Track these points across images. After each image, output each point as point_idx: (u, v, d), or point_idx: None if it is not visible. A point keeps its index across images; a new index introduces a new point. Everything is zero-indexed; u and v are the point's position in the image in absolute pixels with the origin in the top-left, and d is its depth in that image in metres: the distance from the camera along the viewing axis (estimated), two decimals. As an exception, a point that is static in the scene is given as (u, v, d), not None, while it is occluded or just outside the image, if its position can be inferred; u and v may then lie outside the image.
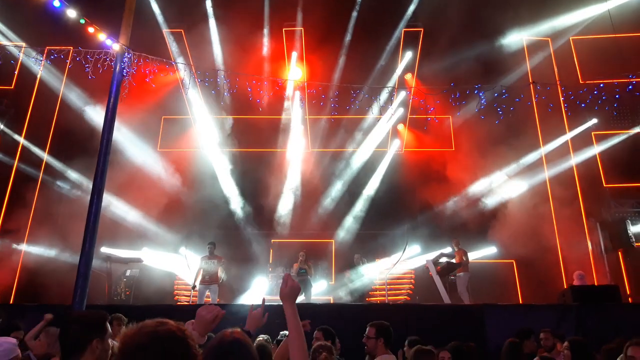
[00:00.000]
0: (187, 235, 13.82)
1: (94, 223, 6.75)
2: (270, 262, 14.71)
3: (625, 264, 13.06)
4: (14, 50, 12.66)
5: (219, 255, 11.62)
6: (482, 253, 13.91)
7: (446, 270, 11.73)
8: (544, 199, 14.15)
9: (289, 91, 14.92)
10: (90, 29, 7.41)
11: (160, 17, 14.93)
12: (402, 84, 15.63)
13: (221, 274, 11.31)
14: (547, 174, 14.52)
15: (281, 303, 2.47)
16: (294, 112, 15.92)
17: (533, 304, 10.27)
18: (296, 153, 16.08)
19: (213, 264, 11.29)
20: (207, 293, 11.20)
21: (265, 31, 15.41)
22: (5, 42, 13.69)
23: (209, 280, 11.14)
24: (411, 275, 14.34)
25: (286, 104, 15.83)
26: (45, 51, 8.41)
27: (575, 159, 14.45)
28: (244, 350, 1.98)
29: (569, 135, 14.60)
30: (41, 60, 8.51)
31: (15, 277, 13.44)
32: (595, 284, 12.47)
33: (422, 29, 15.45)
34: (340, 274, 13.65)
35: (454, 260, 11.92)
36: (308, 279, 12.09)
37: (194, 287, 11.19)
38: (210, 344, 2.02)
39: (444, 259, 12.00)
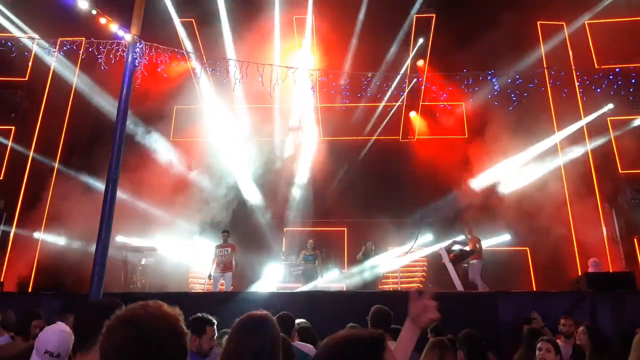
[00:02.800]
0: (201, 224, 13.95)
1: (109, 212, 6.84)
2: (283, 250, 14.80)
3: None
4: (28, 42, 12.77)
5: (232, 243, 11.71)
6: (495, 240, 13.84)
7: (459, 258, 11.70)
8: (558, 185, 14.01)
9: (299, 79, 14.86)
10: (102, 20, 7.44)
11: (171, 7, 14.92)
12: (414, 71, 15.50)
13: (235, 261, 11.40)
14: (562, 160, 14.35)
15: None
16: (305, 100, 15.87)
17: (547, 291, 10.22)
18: (309, 141, 16.07)
19: (227, 252, 11.39)
20: (222, 281, 11.30)
21: (276, 19, 15.31)
22: (18, 34, 13.82)
23: (223, 268, 11.26)
24: (424, 263, 14.33)
25: (297, 92, 15.80)
26: (58, 42, 8.49)
27: (591, 145, 14.25)
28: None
29: (584, 121, 14.38)
30: (54, 52, 8.55)
31: (33, 266, 13.69)
32: (610, 270, 12.37)
33: (434, 15, 15.28)
34: (353, 263, 13.69)
35: (467, 248, 11.88)
36: (315, 267, 12.20)
37: (210, 276, 11.33)
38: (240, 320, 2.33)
39: (457, 247, 11.96)
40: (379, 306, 4.64)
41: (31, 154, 14.51)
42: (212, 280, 11.37)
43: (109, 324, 1.50)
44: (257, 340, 2.23)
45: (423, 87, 15.07)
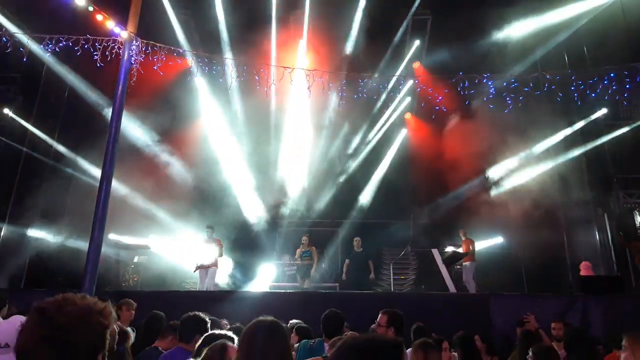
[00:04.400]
0: (194, 222, 13.92)
1: (103, 209, 6.81)
2: (277, 249, 14.81)
3: (632, 254, 12.99)
4: (23, 38, 12.69)
5: (217, 238, 11.53)
6: (488, 243, 13.91)
7: (452, 260, 11.76)
8: (551, 189, 14.07)
9: (296, 78, 14.84)
10: (99, 17, 7.41)
11: (167, 4, 14.85)
12: (410, 73, 15.53)
13: (219, 256, 11.20)
14: (555, 163, 14.42)
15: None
16: (301, 100, 15.86)
17: (539, 294, 10.28)
18: (303, 143, 16.07)
19: (210, 248, 11.17)
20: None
21: (273, 19, 15.28)
22: (14, 29, 13.71)
23: (205, 264, 11.06)
24: (416, 264, 14.38)
25: (293, 92, 15.78)
26: (54, 39, 8.42)
27: (584, 149, 14.34)
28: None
29: (578, 125, 14.48)
30: (49, 48, 8.49)
31: (26, 263, 13.60)
32: (602, 274, 12.45)
33: (430, 17, 15.32)
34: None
35: (460, 250, 11.93)
36: (311, 264, 12.04)
37: (195, 270, 11.15)
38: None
39: (450, 248, 12.01)
40: (333, 310, 4.65)
41: (24, 149, 14.41)
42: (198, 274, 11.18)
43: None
44: (280, 344, 2.45)
45: (419, 89, 15.09)
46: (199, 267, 11.09)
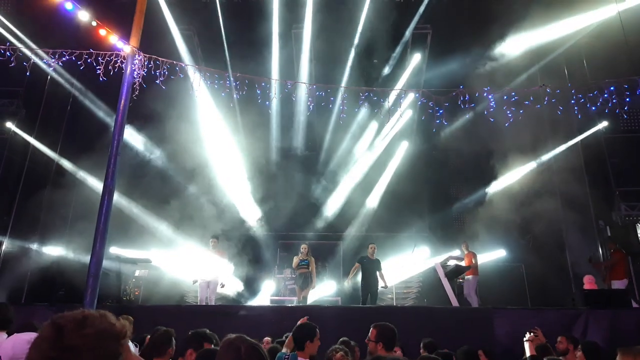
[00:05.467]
0: (196, 235, 13.90)
1: (104, 223, 6.79)
2: (277, 263, 14.76)
3: (635, 268, 12.94)
4: (26, 52, 12.80)
5: (221, 250, 11.42)
6: (491, 256, 13.86)
7: (454, 273, 11.69)
8: (553, 201, 14.06)
9: (297, 92, 14.93)
10: (102, 31, 7.48)
11: (170, 19, 14.99)
12: (410, 86, 15.59)
13: (225, 267, 11.08)
14: (557, 176, 14.43)
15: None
16: (302, 112, 15.94)
17: (542, 308, 10.21)
18: (304, 154, 16.12)
19: (214, 259, 11.03)
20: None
21: (274, 33, 15.40)
22: (17, 44, 13.84)
23: (209, 275, 10.88)
24: (419, 278, 14.31)
25: (295, 105, 15.87)
26: (57, 53, 8.49)
27: (585, 162, 14.35)
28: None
29: (579, 138, 14.51)
30: (52, 62, 8.56)
31: (27, 276, 13.57)
32: (606, 288, 12.37)
33: (430, 31, 15.43)
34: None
35: (462, 263, 11.88)
36: (309, 272, 11.65)
37: (195, 281, 11.02)
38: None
39: (452, 262, 11.95)
40: (305, 321, 4.66)
41: (26, 163, 14.46)
42: (198, 286, 10.98)
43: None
44: None
45: (419, 103, 15.14)
46: (196, 281, 10.92)
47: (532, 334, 5.88)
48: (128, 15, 7.81)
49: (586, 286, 10.67)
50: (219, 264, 11.05)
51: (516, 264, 14.25)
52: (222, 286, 11.05)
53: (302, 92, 14.15)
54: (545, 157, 14.68)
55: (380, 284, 11.43)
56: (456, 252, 12.66)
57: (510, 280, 13.91)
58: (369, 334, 4.31)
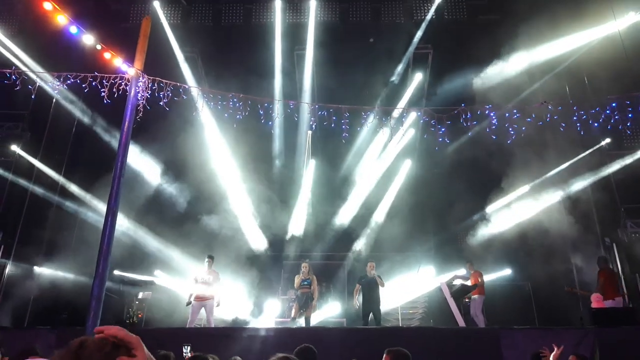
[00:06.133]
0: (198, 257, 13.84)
1: (107, 245, 6.78)
2: (281, 284, 14.66)
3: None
4: (31, 76, 12.96)
5: (215, 270, 10.99)
6: (497, 275, 13.73)
7: (460, 293, 11.56)
8: (558, 219, 13.97)
9: (300, 112, 15.03)
10: (106, 54, 7.57)
11: (174, 42, 15.19)
12: (412, 105, 15.67)
13: (218, 290, 10.65)
14: (561, 194, 14.36)
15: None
16: (306, 132, 16.02)
17: (550, 327, 10.06)
18: (308, 174, 16.13)
19: (209, 279, 10.63)
20: (202, 310, 10.60)
21: (277, 55, 15.56)
22: (22, 67, 14.02)
23: (203, 296, 10.47)
24: (425, 298, 14.17)
25: (297, 125, 15.96)
26: (62, 76, 8.58)
27: (590, 179, 14.29)
28: None
29: (582, 155, 14.48)
30: (57, 86, 8.66)
31: (30, 299, 13.51)
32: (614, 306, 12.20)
33: (430, 51, 15.56)
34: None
35: (468, 283, 11.77)
36: (310, 292, 11.23)
37: (188, 303, 10.58)
38: None
39: (458, 281, 11.83)
40: (307, 345, 4.54)
41: (31, 185, 14.51)
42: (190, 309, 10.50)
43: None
44: None
45: (422, 121, 15.20)
46: (190, 302, 10.53)
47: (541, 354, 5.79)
48: (132, 39, 7.92)
49: (594, 305, 10.52)
50: (215, 284, 10.67)
51: (522, 283, 14.10)
52: (217, 305, 10.65)
53: (305, 112, 14.29)
54: (550, 174, 14.62)
55: (380, 286, 11.10)
56: (462, 271, 12.54)
57: (516, 300, 13.75)
58: (383, 359, 4.19)
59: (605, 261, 11.59)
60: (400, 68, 15.89)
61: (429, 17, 15.44)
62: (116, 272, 12.46)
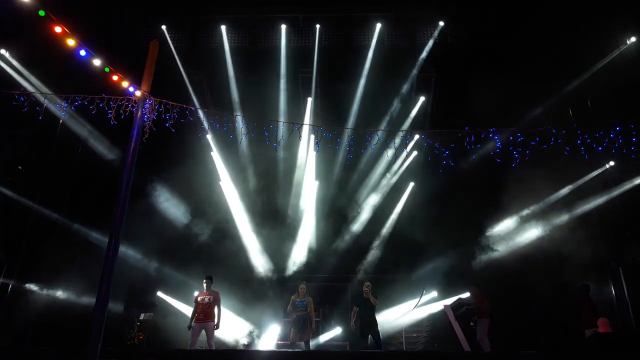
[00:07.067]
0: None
1: (111, 266, 6.76)
2: (284, 306, 14.55)
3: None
4: (39, 97, 13.10)
5: (215, 291, 10.76)
6: (501, 298, 13.57)
7: (465, 316, 11.43)
8: (563, 242, 13.86)
9: (304, 135, 15.10)
10: (114, 77, 7.66)
11: (180, 65, 15.38)
12: (416, 127, 15.75)
13: (217, 312, 10.44)
14: (565, 217, 14.30)
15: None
16: (310, 155, 16.08)
17: (557, 352, 9.92)
18: (311, 197, 16.14)
19: (209, 300, 10.48)
20: (202, 332, 10.40)
21: (282, 77, 15.71)
22: (29, 88, 14.20)
23: (203, 317, 10.33)
24: (429, 321, 14.03)
25: (301, 148, 16.04)
26: (70, 98, 8.69)
27: (594, 203, 14.23)
28: None
29: (586, 179, 14.45)
30: (65, 108, 8.77)
31: (31, 320, 13.42)
32: (621, 330, 12.05)
33: (434, 75, 15.69)
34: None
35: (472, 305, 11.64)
36: (307, 314, 10.80)
37: (189, 327, 10.40)
38: None
39: (463, 305, 11.71)
40: None
41: (34, 206, 14.51)
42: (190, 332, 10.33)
43: None
44: None
45: (425, 144, 15.25)
46: (190, 327, 10.39)
47: None
48: (137, 61, 8.01)
49: (601, 329, 10.38)
50: (215, 304, 10.50)
51: (528, 306, 13.92)
52: (217, 328, 10.48)
53: (310, 135, 14.37)
54: (554, 198, 14.59)
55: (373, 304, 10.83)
56: (466, 295, 12.42)
57: (522, 323, 13.56)
58: None
59: (588, 289, 11.33)
60: (404, 90, 15.96)
61: (431, 41, 15.59)
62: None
